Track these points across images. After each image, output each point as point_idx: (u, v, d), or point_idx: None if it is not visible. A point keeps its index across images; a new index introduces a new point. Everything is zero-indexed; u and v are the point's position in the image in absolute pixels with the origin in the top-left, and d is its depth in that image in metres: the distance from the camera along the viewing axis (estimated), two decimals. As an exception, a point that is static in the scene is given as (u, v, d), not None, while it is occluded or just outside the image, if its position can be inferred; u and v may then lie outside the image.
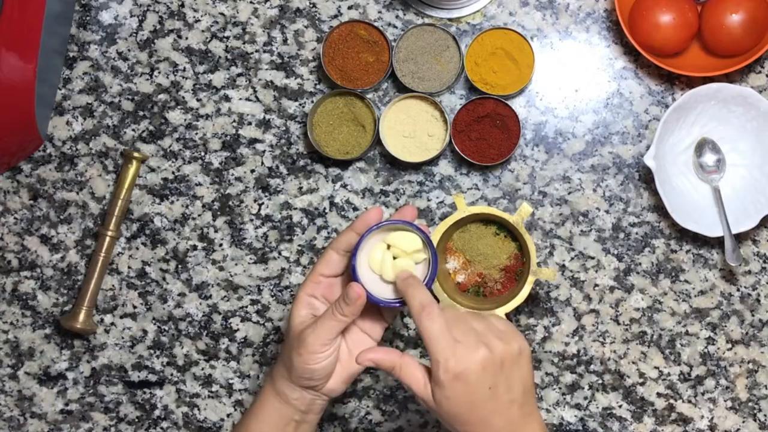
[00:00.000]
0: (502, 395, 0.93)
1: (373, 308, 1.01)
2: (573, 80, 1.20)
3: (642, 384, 1.19)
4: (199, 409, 1.21)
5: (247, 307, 1.20)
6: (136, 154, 1.19)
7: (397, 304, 0.98)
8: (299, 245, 1.20)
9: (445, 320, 0.92)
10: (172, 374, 1.21)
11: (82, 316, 1.18)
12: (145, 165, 1.21)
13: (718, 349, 1.19)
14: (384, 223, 0.98)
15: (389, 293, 0.99)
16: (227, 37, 1.21)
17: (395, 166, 1.20)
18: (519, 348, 0.94)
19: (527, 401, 0.95)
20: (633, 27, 1.15)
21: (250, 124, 1.21)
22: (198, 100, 1.21)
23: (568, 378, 1.19)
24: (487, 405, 0.92)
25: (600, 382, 1.19)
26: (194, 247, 1.21)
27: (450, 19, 1.20)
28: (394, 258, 0.99)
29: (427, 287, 0.97)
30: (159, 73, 1.21)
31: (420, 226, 0.98)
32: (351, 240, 0.99)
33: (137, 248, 1.21)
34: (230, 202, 1.20)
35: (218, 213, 1.21)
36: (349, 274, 0.98)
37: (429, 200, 1.20)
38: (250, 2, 1.21)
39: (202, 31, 1.21)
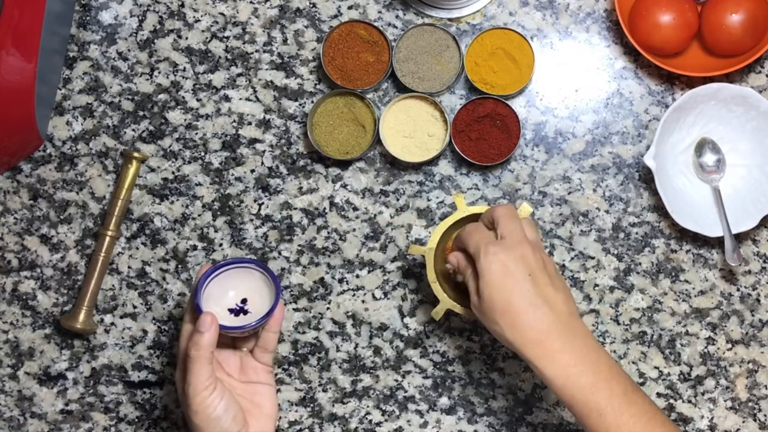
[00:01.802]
0: (543, 285, 0.95)
1: (244, 358, 1.06)
2: (573, 80, 1.20)
3: (642, 384, 1.19)
4: (199, 409, 1.21)
5: (247, 307, 1.20)
6: (136, 154, 1.19)
7: (251, 325, 1.01)
8: (299, 245, 1.20)
9: (497, 216, 0.99)
10: (172, 374, 1.21)
11: (82, 316, 1.18)
12: (145, 165, 1.21)
13: (718, 349, 1.19)
14: (221, 266, 1.02)
15: (237, 322, 1.04)
16: (227, 37, 1.21)
17: (395, 166, 1.20)
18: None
19: (572, 301, 0.97)
20: (633, 27, 1.15)
21: (250, 124, 1.21)
22: (198, 100, 1.21)
23: (568, 378, 1.19)
24: (528, 292, 0.94)
25: (600, 382, 1.19)
26: (194, 247, 1.21)
27: (450, 19, 1.20)
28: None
29: (270, 312, 1.02)
30: (159, 73, 1.21)
31: (257, 261, 1.04)
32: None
33: (137, 248, 1.21)
34: (230, 202, 1.21)
35: (218, 213, 1.21)
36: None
37: (429, 200, 1.20)
38: (250, 2, 1.21)
39: (202, 31, 1.21)
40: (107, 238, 1.18)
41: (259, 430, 1.02)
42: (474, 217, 1.12)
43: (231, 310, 1.05)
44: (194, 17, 1.21)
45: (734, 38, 1.15)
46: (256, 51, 1.21)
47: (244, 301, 1.05)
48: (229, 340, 1.05)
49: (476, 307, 0.99)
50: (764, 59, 1.20)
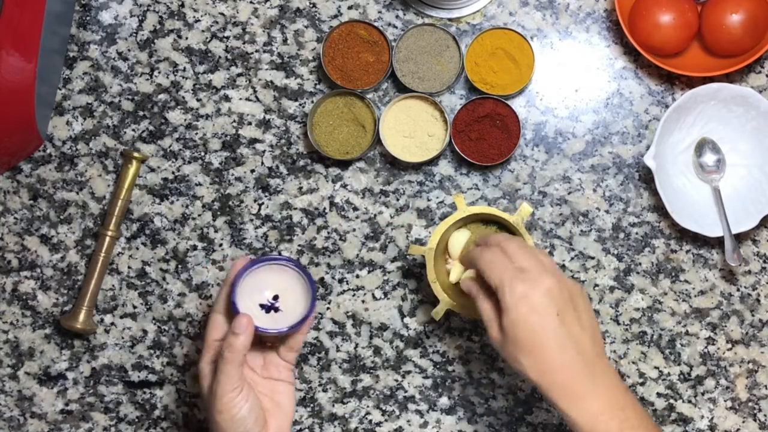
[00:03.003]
0: (570, 324, 0.93)
1: (268, 355, 1.05)
2: (573, 80, 1.20)
3: (642, 384, 1.19)
4: (199, 409, 1.21)
5: (247, 307, 1.20)
6: (136, 154, 1.19)
7: (284, 329, 1.01)
8: (299, 245, 1.20)
9: (511, 251, 0.96)
10: (172, 374, 1.21)
11: (82, 316, 1.18)
12: (145, 165, 1.21)
13: (718, 349, 1.19)
14: (257, 262, 1.01)
15: (272, 323, 1.02)
16: (227, 37, 1.21)
17: (395, 166, 1.20)
18: (581, 288, 0.96)
19: (598, 340, 0.95)
20: (633, 27, 1.15)
21: (250, 124, 1.21)
22: (198, 100, 1.21)
23: (568, 378, 1.19)
24: (555, 332, 0.92)
25: (600, 382, 1.19)
26: (194, 247, 1.21)
27: (450, 19, 1.20)
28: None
29: (305, 318, 1.01)
30: (159, 73, 1.21)
31: (295, 261, 1.03)
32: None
33: (137, 248, 1.21)
34: (230, 202, 1.21)
35: (218, 213, 1.21)
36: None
37: (429, 200, 1.20)
38: (250, 2, 1.21)
39: (202, 31, 1.21)
40: (107, 238, 1.18)
41: (277, 428, 1.02)
42: (474, 218, 1.12)
43: (262, 306, 1.04)
44: (194, 17, 1.22)
45: (734, 38, 1.15)
46: (256, 51, 1.21)
47: (275, 297, 1.04)
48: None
49: (497, 341, 0.96)
50: (764, 59, 1.20)
